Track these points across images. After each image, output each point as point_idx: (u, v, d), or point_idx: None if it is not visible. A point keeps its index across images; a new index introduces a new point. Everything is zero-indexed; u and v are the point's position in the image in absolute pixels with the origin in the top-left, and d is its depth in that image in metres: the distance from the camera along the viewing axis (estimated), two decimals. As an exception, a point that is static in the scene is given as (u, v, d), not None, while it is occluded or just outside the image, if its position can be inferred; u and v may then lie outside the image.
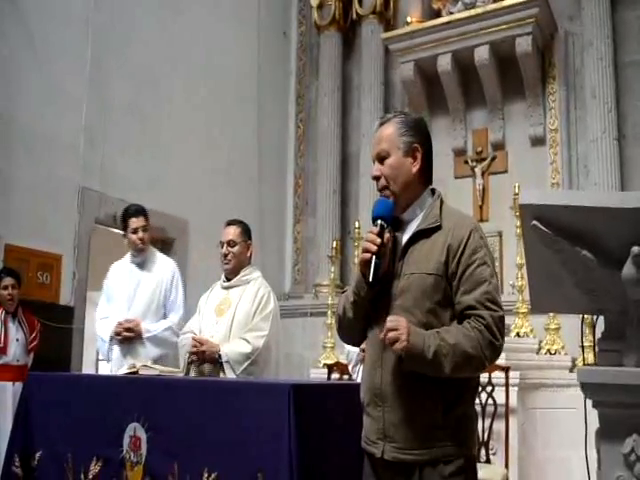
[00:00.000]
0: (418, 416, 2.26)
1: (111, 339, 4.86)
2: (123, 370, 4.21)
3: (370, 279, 2.27)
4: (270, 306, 4.23)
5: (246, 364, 4.01)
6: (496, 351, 2.27)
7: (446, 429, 2.26)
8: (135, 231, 4.96)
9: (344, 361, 5.78)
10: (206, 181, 8.32)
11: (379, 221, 2.34)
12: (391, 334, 2.20)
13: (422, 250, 2.36)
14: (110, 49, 7.28)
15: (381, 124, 2.49)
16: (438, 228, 2.37)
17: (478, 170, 8.56)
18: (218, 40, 8.71)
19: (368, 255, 2.29)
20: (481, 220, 8.25)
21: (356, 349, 4.07)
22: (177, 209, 7.85)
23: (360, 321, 2.43)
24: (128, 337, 4.81)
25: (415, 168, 2.44)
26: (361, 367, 4.21)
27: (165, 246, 7.84)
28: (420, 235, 2.38)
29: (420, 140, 2.46)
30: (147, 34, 7.74)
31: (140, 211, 5.01)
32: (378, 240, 2.30)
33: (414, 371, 2.24)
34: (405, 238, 2.41)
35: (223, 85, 8.75)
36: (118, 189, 7.08)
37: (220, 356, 4.01)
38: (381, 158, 2.44)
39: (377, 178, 2.45)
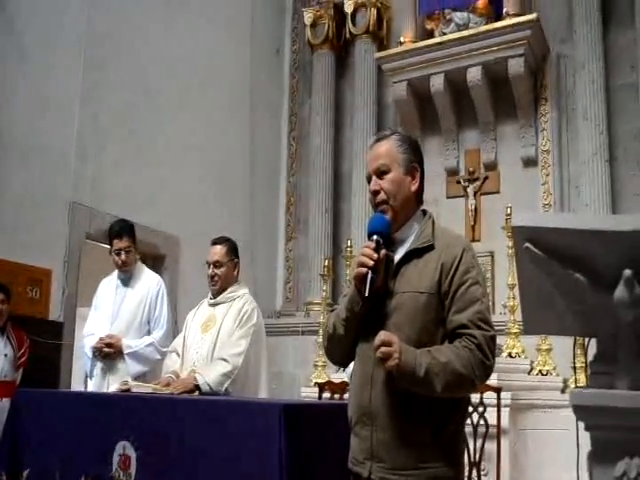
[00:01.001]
0: (408, 436, 2.25)
1: (93, 355, 4.81)
2: (114, 387, 4.19)
3: (366, 293, 2.26)
4: (251, 322, 4.20)
5: (227, 384, 3.97)
6: (487, 371, 2.27)
7: (437, 450, 2.25)
8: (118, 252, 4.90)
9: (337, 380, 5.76)
10: (198, 197, 8.31)
11: (375, 237, 2.34)
12: (384, 349, 2.20)
13: (415, 269, 2.36)
14: (103, 63, 7.28)
15: (378, 140, 2.50)
16: (431, 248, 2.38)
17: (470, 190, 8.59)
18: (211, 56, 8.72)
19: (364, 270, 2.28)
20: (473, 240, 8.27)
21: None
22: (168, 225, 7.83)
23: (350, 339, 2.41)
24: (108, 353, 4.76)
25: (414, 187, 2.46)
26: None
27: (156, 262, 7.82)
28: (413, 254, 2.38)
29: (418, 160, 2.49)
30: (140, 48, 7.74)
31: (124, 231, 4.91)
32: (375, 255, 2.29)
33: (405, 390, 2.23)
34: (397, 257, 2.40)
35: (216, 102, 8.76)
36: (109, 204, 7.05)
37: (197, 386, 3.94)
38: (380, 173, 2.44)
39: (376, 193, 2.44)
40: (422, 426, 2.25)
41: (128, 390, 3.88)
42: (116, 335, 4.80)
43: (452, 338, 2.29)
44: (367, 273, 2.27)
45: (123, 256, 4.89)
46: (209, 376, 3.96)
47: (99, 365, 4.83)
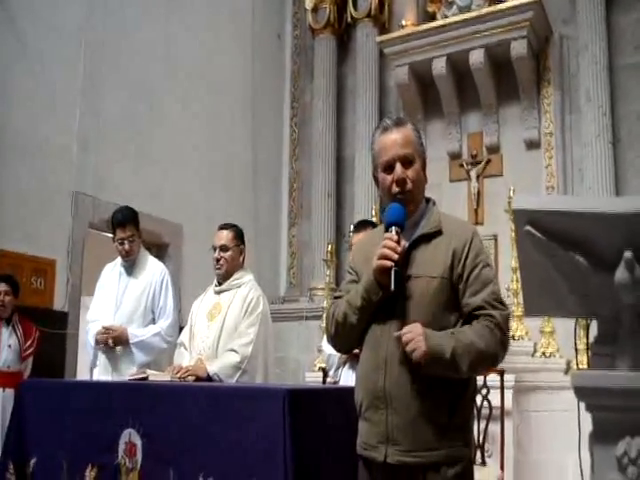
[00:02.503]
0: (425, 416, 2.26)
1: (97, 343, 4.77)
2: (130, 375, 4.17)
3: (392, 287, 2.26)
4: (258, 309, 4.20)
5: (237, 375, 3.99)
6: (506, 348, 2.33)
7: (453, 428, 2.28)
8: (121, 242, 4.85)
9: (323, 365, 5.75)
10: (200, 185, 8.33)
11: (394, 228, 2.35)
12: (410, 346, 2.23)
13: (425, 254, 2.38)
14: (103, 56, 7.29)
15: (396, 124, 2.47)
16: (438, 233, 2.41)
17: (473, 173, 8.59)
18: (212, 44, 8.72)
19: (389, 263, 2.28)
20: (476, 223, 8.28)
21: (336, 352, 4.08)
22: (171, 214, 7.85)
23: (362, 326, 2.41)
24: (115, 344, 4.72)
25: (426, 179, 2.52)
26: (343, 370, 4.20)
27: (159, 251, 7.85)
28: (422, 240, 2.41)
29: (425, 152, 2.54)
30: (140, 40, 7.74)
31: (127, 220, 4.84)
32: (399, 248, 2.30)
33: (424, 373, 2.26)
34: (407, 243, 2.41)
35: (217, 89, 8.77)
36: (112, 194, 7.05)
37: (209, 376, 3.97)
38: (406, 161, 2.43)
39: (403, 182, 2.42)
40: (439, 406, 2.28)
41: (145, 379, 3.88)
42: (120, 327, 4.75)
43: (469, 320, 2.33)
44: (392, 267, 2.27)
45: (127, 245, 4.84)
46: (220, 368, 3.97)
47: (102, 354, 4.81)
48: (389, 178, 2.43)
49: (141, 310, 4.85)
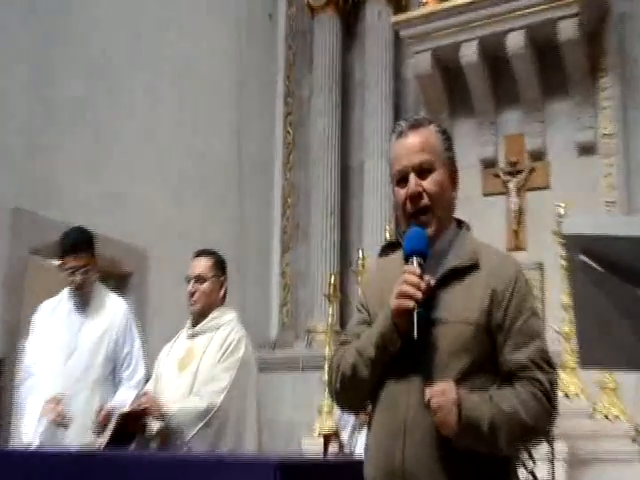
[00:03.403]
0: None
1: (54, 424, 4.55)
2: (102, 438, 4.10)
3: (415, 334, 2.24)
4: (238, 353, 4.22)
5: (199, 426, 3.98)
6: (553, 421, 2.34)
7: None
8: (72, 272, 4.78)
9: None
10: (172, 199, 8.33)
11: (416, 258, 2.35)
12: (439, 415, 2.21)
13: (456, 294, 2.37)
14: (57, 37, 7.28)
15: (413, 126, 2.49)
16: (474, 267, 2.40)
17: (512, 186, 8.57)
18: (189, 23, 8.77)
19: (410, 304, 2.26)
20: (517, 249, 8.28)
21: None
22: (135, 235, 7.82)
23: (374, 381, 2.41)
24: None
25: (455, 193, 2.50)
26: (360, 436, 4.17)
27: (119, 282, 7.80)
28: (452, 275, 2.39)
29: (455, 159, 2.52)
30: (104, 19, 7.77)
31: (80, 245, 4.79)
32: (423, 285, 2.29)
33: (453, 446, 2.23)
34: (432, 279, 2.39)
35: (195, 81, 8.80)
36: (61, 210, 6.98)
37: (163, 417, 3.96)
38: (423, 170, 2.43)
39: (417, 197, 2.42)
40: None
41: (108, 416, 3.95)
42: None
43: (508, 381, 2.32)
44: (414, 308, 2.26)
45: (79, 277, 4.78)
46: (179, 410, 3.99)
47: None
48: (402, 193, 2.44)
49: (100, 360, 4.79)
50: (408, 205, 2.43)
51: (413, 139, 2.45)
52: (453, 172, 2.49)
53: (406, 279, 2.29)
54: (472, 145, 8.79)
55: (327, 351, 7.72)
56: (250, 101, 9.65)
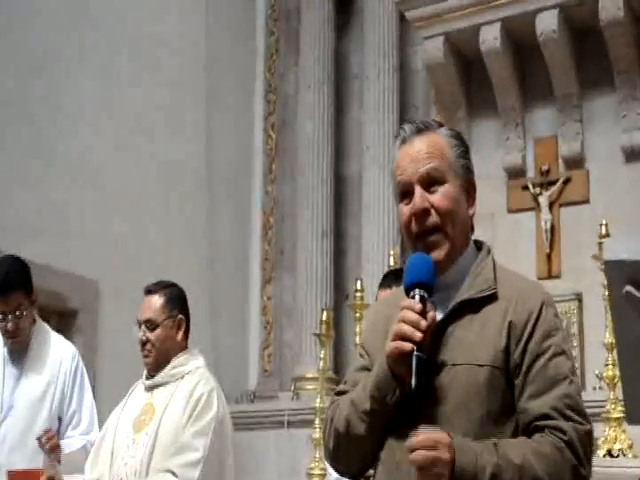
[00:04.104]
0: None
1: None
2: None
3: (413, 383, 2.23)
4: (210, 411, 4.19)
5: None
6: None
7: None
8: (3, 317, 4.69)
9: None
10: (129, 220, 8.28)
11: (418, 291, 2.34)
12: (420, 455, 2.18)
13: (470, 330, 2.39)
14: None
15: (420, 130, 2.51)
16: (492, 298, 2.42)
17: (544, 200, 8.52)
18: (149, 4, 8.80)
19: (408, 346, 2.27)
20: (549, 277, 8.26)
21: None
22: (82, 264, 7.77)
23: (374, 439, 2.42)
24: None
25: (472, 210, 2.52)
26: None
27: (64, 322, 7.78)
28: (466, 308, 2.41)
29: (472, 168, 2.55)
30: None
31: (9, 284, 4.67)
32: (424, 324, 2.29)
33: None
34: (443, 312, 2.42)
35: (155, 73, 8.79)
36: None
37: None
38: (430, 182, 2.45)
39: (424, 214, 2.43)
40: None
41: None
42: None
43: (528, 434, 2.32)
44: (412, 351, 2.26)
45: (10, 323, 4.70)
46: None
47: None
48: (406, 210, 2.47)
49: (44, 417, 4.72)
50: (413, 224, 2.44)
51: (419, 145, 2.47)
52: (469, 184, 2.51)
53: (403, 317, 2.31)
54: (495, 151, 8.82)
55: (318, 403, 7.68)
56: (223, 99, 9.65)
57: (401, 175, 2.47)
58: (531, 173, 8.73)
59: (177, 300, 4.40)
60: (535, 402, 2.32)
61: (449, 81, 8.91)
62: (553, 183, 8.55)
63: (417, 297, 2.34)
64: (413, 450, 2.20)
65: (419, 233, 2.44)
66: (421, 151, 2.45)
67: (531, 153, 8.78)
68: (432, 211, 2.42)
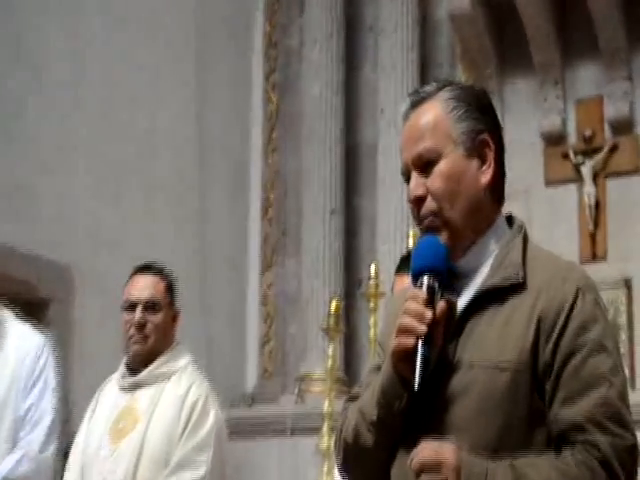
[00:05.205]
0: None
1: None
2: None
3: (416, 384, 2.22)
4: (209, 421, 4.23)
5: None
6: None
7: None
8: None
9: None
10: (106, 198, 8.33)
11: (426, 278, 2.34)
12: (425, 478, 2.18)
13: (492, 325, 2.35)
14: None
15: (414, 104, 2.51)
16: (520, 287, 2.37)
17: (587, 170, 8.62)
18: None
19: (411, 342, 2.26)
20: (593, 259, 8.35)
21: None
22: (55, 247, 7.81)
23: (384, 451, 2.41)
24: None
25: (486, 177, 2.46)
26: None
27: (34, 313, 7.50)
28: (488, 298, 2.38)
29: (490, 126, 2.50)
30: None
31: None
32: (428, 314, 2.27)
33: None
34: (462, 303, 2.40)
35: (133, 27, 8.82)
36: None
37: None
38: (424, 164, 2.44)
39: (420, 200, 2.44)
40: None
41: None
42: None
43: (558, 446, 2.28)
44: (416, 346, 2.25)
45: None
46: None
47: None
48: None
49: (7, 423, 4.68)
50: (414, 209, 2.46)
51: (413, 121, 2.48)
52: (480, 144, 2.45)
53: (406, 308, 2.29)
54: (530, 114, 8.87)
55: (326, 408, 7.70)
56: (215, 56, 9.67)
57: (402, 156, 2.48)
58: (572, 139, 8.80)
59: (175, 289, 4.44)
60: (566, 410, 2.25)
61: (477, 34, 8.95)
62: (598, 151, 8.63)
63: (425, 285, 2.31)
64: (415, 469, 2.18)
65: (419, 219, 2.44)
66: (414, 128, 2.46)
67: (572, 116, 8.84)
68: (428, 196, 2.41)
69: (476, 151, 2.45)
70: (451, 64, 9.34)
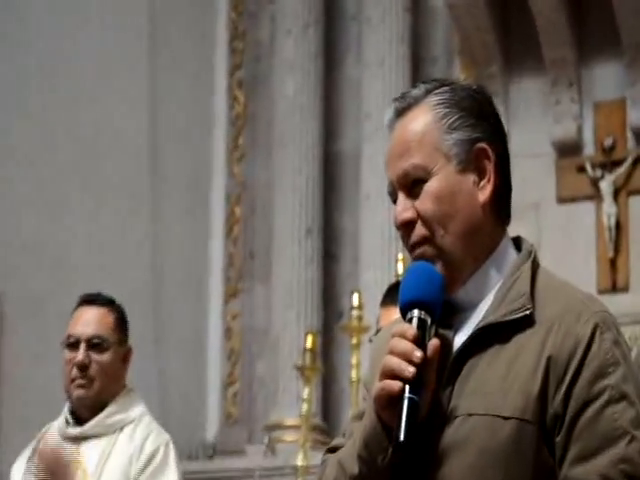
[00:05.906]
0: None
1: None
2: None
3: (401, 436, 2.16)
4: (170, 473, 4.27)
5: None
6: None
7: None
8: None
9: None
10: (43, 218, 8.33)
11: (416, 312, 2.30)
12: None
13: (494, 367, 2.33)
14: None
15: (399, 112, 2.49)
16: (527, 322, 2.33)
17: (606, 185, 8.60)
18: None
19: (396, 386, 2.21)
20: (613, 290, 8.37)
21: None
22: None
23: None
24: None
25: (484, 194, 2.42)
26: None
27: None
28: (490, 335, 2.35)
29: (487, 134, 2.46)
30: None
31: None
32: (418, 354, 2.23)
33: None
34: (460, 340, 2.38)
35: (80, 13, 8.82)
36: None
37: None
38: (411, 183, 2.42)
39: (408, 224, 2.40)
40: None
41: None
42: None
43: None
44: (402, 392, 2.21)
45: None
46: None
47: None
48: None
49: None
50: (403, 235, 2.45)
51: (398, 132, 2.48)
52: (475, 156, 2.42)
53: (392, 347, 2.28)
54: (540, 119, 8.91)
55: (300, 461, 7.78)
56: (171, 47, 9.75)
57: (387, 173, 2.49)
58: (590, 150, 8.82)
59: (126, 324, 4.46)
60: (579, 468, 2.22)
61: (479, 25, 8.94)
62: (619, 163, 8.62)
63: (414, 320, 2.30)
64: None
65: (409, 245, 2.44)
66: (398, 141, 2.46)
67: (590, 122, 8.85)
68: (418, 221, 2.41)
69: (472, 164, 2.44)
70: (448, 60, 9.42)
